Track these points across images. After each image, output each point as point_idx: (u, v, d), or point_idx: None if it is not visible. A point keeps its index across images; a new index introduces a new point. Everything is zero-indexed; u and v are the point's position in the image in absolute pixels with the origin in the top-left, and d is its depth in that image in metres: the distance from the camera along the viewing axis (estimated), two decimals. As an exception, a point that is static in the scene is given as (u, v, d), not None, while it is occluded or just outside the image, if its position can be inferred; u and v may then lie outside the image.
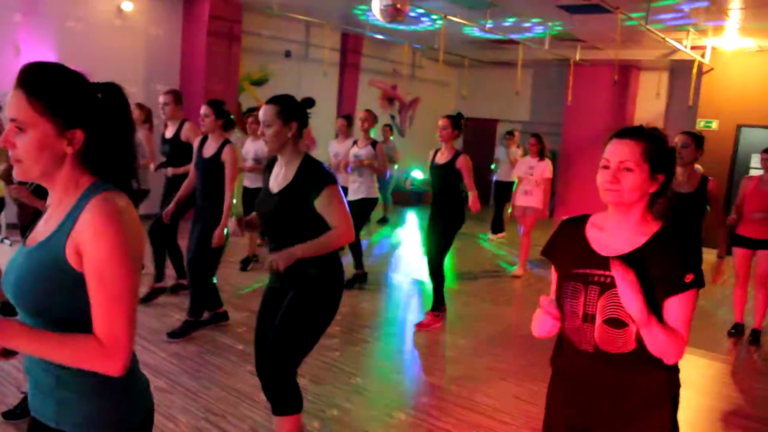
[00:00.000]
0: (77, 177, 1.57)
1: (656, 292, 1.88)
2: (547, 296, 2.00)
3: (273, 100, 3.02)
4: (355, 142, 7.14)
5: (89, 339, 1.49)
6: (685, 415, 1.97)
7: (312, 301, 3.01)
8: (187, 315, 5.11)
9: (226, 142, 4.98)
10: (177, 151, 5.71)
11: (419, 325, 5.73)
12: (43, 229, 1.58)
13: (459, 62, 14.38)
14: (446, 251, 5.85)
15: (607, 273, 1.91)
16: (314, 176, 2.96)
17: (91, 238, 1.48)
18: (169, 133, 5.81)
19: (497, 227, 10.89)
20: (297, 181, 2.97)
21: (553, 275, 2.16)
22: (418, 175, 14.17)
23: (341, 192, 3.02)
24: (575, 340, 1.99)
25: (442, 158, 5.85)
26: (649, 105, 12.85)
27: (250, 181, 7.22)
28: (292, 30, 11.66)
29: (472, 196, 5.89)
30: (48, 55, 8.63)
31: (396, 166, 11.98)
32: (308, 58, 12.04)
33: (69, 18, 8.81)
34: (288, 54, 11.72)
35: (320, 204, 2.93)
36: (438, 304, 5.88)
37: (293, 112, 3.00)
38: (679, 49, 10.04)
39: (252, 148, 7.24)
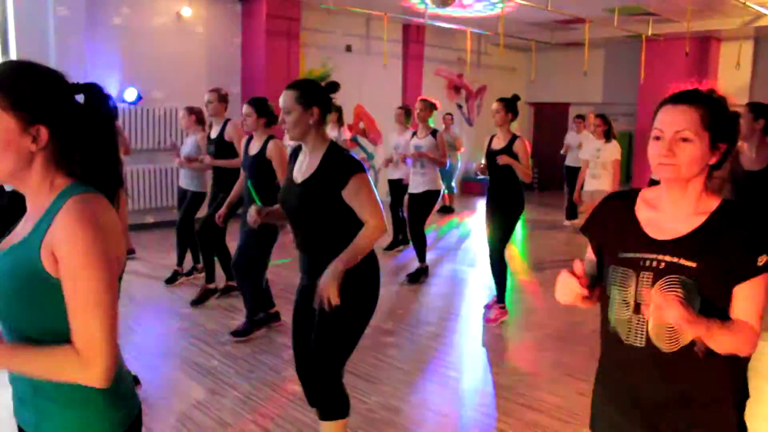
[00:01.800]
0: (51, 177, 1.48)
1: (723, 278, 1.64)
2: (581, 261, 1.75)
3: (292, 85, 2.85)
4: (414, 134, 6.96)
5: (66, 350, 1.40)
6: (759, 409, 1.69)
7: (349, 298, 2.79)
8: (246, 316, 5.07)
9: (270, 138, 4.90)
10: (222, 151, 5.68)
11: (488, 320, 5.54)
12: (20, 232, 1.50)
13: (526, 46, 13.92)
14: (507, 240, 5.60)
15: (661, 257, 1.69)
16: (340, 164, 2.77)
17: (64, 242, 1.38)
18: (213, 134, 5.80)
19: (572, 213, 10.48)
20: (322, 170, 2.78)
21: (589, 255, 1.92)
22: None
23: (370, 181, 2.83)
24: (623, 332, 1.76)
25: (498, 144, 5.60)
26: (732, 78, 12.05)
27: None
28: (352, 24, 11.58)
29: (521, 171, 5.49)
30: (112, 65, 8.85)
31: (459, 155, 11.72)
32: (370, 52, 11.92)
33: (130, 27, 8.99)
34: (349, 48, 11.64)
35: (348, 194, 2.74)
36: (503, 296, 5.65)
37: (314, 96, 2.82)
38: (763, 14, 9.33)
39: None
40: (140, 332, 5.16)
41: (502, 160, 5.44)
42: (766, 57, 11.72)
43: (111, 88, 8.81)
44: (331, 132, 8.12)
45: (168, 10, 9.41)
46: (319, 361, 2.87)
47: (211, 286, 5.94)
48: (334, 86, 2.94)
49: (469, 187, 13.83)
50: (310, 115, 2.80)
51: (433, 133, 6.72)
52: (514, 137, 5.51)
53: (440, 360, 4.71)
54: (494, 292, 5.70)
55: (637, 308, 1.71)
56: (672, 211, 1.75)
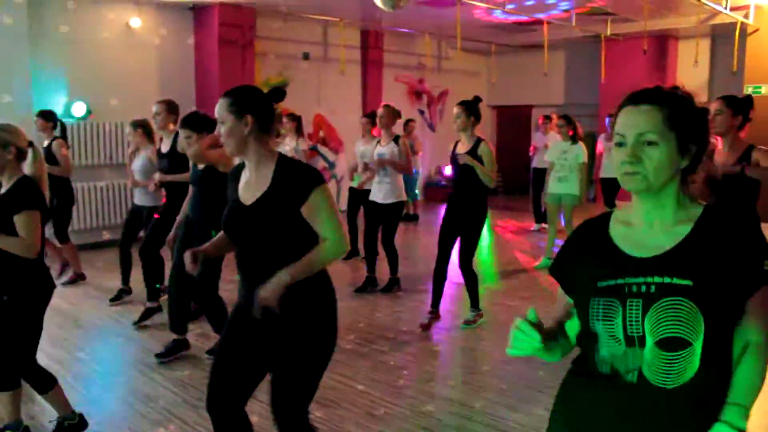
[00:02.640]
0: None
1: (726, 293, 1.45)
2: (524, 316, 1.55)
3: (225, 93, 2.57)
4: (378, 141, 6.75)
5: None
6: (757, 403, 1.51)
7: (309, 339, 2.52)
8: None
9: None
10: (176, 164, 5.39)
11: (466, 322, 5.55)
12: None
13: (485, 49, 13.84)
14: (474, 248, 5.44)
15: (648, 280, 1.48)
16: (297, 178, 2.48)
17: None
18: (165, 147, 5.50)
19: (539, 217, 10.37)
20: (276, 187, 2.47)
21: (560, 300, 1.72)
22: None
23: (331, 193, 2.56)
24: (621, 368, 1.51)
25: (462, 148, 5.43)
26: (691, 75, 12.07)
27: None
28: (309, 31, 11.35)
29: (485, 175, 5.30)
30: (59, 77, 8.50)
31: (419, 160, 11.55)
32: (328, 59, 11.69)
33: (78, 39, 8.65)
34: (306, 56, 11.41)
35: (308, 209, 2.46)
36: (477, 302, 5.59)
37: (248, 103, 2.51)
38: (719, 11, 9.33)
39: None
40: (87, 361, 4.86)
41: (463, 158, 5.28)
42: (723, 54, 11.76)
43: (58, 103, 8.46)
44: (290, 142, 7.89)
45: (117, 20, 9.08)
46: (287, 408, 2.55)
47: (154, 304, 5.65)
48: (278, 93, 2.66)
49: (433, 194, 13.66)
50: (245, 124, 2.50)
51: (396, 139, 6.52)
52: (478, 140, 5.36)
53: (400, 377, 4.49)
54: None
55: (630, 341, 1.48)
56: (650, 223, 1.57)
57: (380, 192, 6.50)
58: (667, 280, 1.46)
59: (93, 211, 8.82)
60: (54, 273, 6.74)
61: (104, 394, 4.28)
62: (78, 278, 6.98)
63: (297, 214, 2.46)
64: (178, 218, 4.95)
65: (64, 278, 6.89)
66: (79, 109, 8.56)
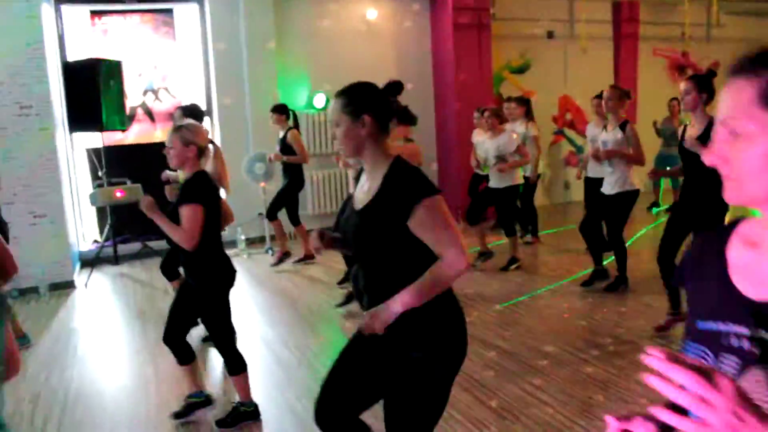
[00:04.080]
0: None
1: None
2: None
3: (339, 92, 2.34)
4: (605, 127, 6.04)
5: None
6: None
7: (426, 372, 2.22)
8: None
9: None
10: None
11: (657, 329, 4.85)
12: None
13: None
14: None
15: (754, 331, 0.98)
16: (403, 189, 2.21)
17: None
18: None
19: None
20: (382, 196, 2.25)
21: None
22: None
23: (444, 205, 2.21)
24: None
25: (693, 132, 4.59)
26: None
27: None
28: (553, 8, 10.66)
29: None
30: (302, 73, 9.01)
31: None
32: (575, 36, 10.88)
33: (318, 35, 9.09)
34: (550, 35, 10.74)
35: (415, 226, 2.17)
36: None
37: (364, 102, 2.27)
38: None
39: (485, 145, 6.84)
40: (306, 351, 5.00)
41: (692, 143, 4.46)
42: None
43: (300, 95, 8.99)
44: (519, 128, 7.46)
45: (355, 13, 9.37)
46: None
47: None
48: (397, 87, 2.39)
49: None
50: (362, 124, 2.27)
51: (622, 125, 5.75)
52: (711, 121, 4.48)
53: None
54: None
55: None
56: None
57: (608, 184, 5.80)
58: None
59: (328, 197, 9.25)
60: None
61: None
62: (284, 256, 7.48)
63: (404, 229, 2.18)
64: None
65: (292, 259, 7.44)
66: (319, 100, 8.99)
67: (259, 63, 8.60)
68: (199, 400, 3.85)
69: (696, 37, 11.71)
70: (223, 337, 3.62)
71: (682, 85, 4.65)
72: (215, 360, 4.69)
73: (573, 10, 10.87)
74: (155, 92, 8.73)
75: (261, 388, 4.11)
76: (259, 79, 8.59)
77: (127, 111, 8.10)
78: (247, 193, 8.08)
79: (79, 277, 7.50)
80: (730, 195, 1.01)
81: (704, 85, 4.58)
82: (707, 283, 1.09)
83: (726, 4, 11.09)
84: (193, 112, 5.13)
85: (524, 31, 10.47)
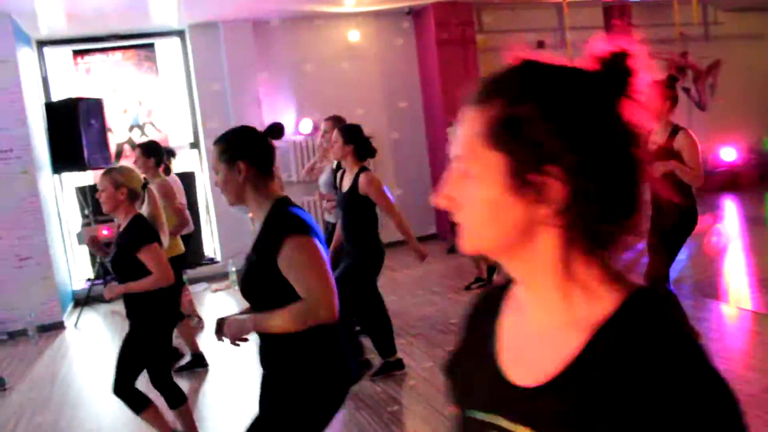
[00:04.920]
0: None
1: None
2: None
3: (215, 140, 2.31)
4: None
5: None
6: None
7: (279, 406, 2.22)
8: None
9: (362, 170, 4.37)
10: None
11: None
12: None
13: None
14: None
15: (512, 426, 0.82)
16: (275, 228, 2.17)
17: None
18: None
19: None
20: (261, 239, 2.22)
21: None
22: (729, 154, 11.84)
23: (315, 249, 2.13)
24: None
25: (658, 140, 4.39)
26: None
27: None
28: (542, 17, 10.53)
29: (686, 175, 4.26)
30: (287, 102, 8.98)
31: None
32: (567, 45, 10.72)
33: (301, 62, 9.06)
34: (540, 45, 10.59)
35: (282, 264, 2.10)
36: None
37: (239, 148, 2.24)
38: None
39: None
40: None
41: (662, 167, 4.22)
42: None
43: (287, 122, 8.95)
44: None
45: (337, 37, 9.33)
46: None
47: None
48: (276, 130, 2.34)
49: (706, 182, 11.79)
50: (237, 171, 2.22)
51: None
52: (675, 129, 4.30)
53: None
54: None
55: None
56: (537, 316, 0.87)
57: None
58: None
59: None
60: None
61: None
62: None
63: (277, 270, 2.12)
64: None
65: None
66: (305, 126, 8.95)
67: (243, 93, 8.59)
68: None
69: (694, 36, 11.47)
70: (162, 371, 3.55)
71: None
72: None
73: (562, 17, 10.71)
74: (141, 127, 8.75)
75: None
76: (243, 109, 8.57)
77: (113, 148, 8.13)
78: (236, 225, 8.04)
79: (70, 317, 7.49)
80: (460, 243, 0.88)
81: (668, 92, 4.43)
82: (477, 361, 0.94)
83: (723, 1, 10.86)
84: (151, 149, 5.09)
85: (513, 42, 10.31)
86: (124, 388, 3.55)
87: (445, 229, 9.18)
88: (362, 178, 4.31)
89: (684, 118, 10.56)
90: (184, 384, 4.21)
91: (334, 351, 2.21)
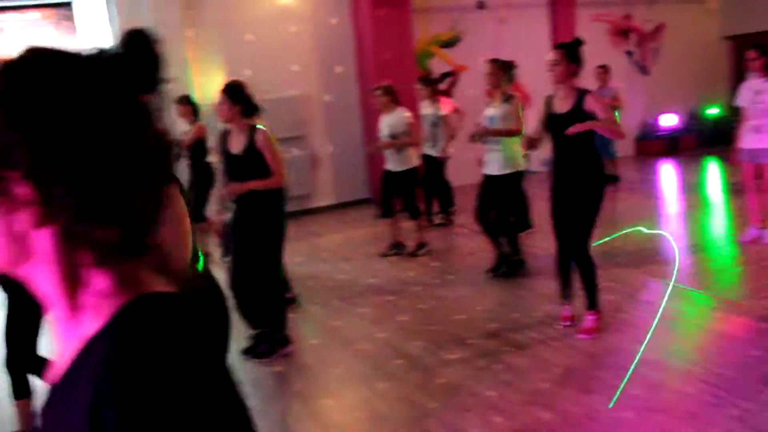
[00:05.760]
0: None
1: None
2: None
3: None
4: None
5: None
6: None
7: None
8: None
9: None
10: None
11: (583, 332, 4.37)
12: None
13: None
14: (591, 230, 4.34)
15: None
16: None
17: None
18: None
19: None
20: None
21: None
22: (669, 120, 11.90)
23: None
24: None
25: (562, 106, 4.32)
26: None
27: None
28: (483, -25, 10.31)
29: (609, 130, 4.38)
30: (220, 66, 8.70)
31: (618, 113, 9.90)
32: (509, 4, 10.52)
33: (231, 21, 8.76)
34: (481, 5, 10.38)
35: None
36: (595, 300, 4.41)
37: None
38: None
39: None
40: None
41: (575, 129, 4.14)
42: None
43: (217, 83, 8.70)
44: (427, 108, 7.23)
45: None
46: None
47: None
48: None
49: (646, 148, 11.84)
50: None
51: (507, 98, 5.49)
52: (581, 93, 4.23)
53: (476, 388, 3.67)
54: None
55: None
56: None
57: (489, 164, 5.55)
58: None
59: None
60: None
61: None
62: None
63: None
64: None
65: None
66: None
67: (169, 53, 8.28)
68: None
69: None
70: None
71: (550, 55, 4.36)
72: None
73: (503, -22, 10.51)
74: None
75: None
76: (169, 69, 8.27)
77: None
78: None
79: None
80: None
81: (574, 56, 4.32)
82: None
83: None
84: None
85: (452, 2, 10.13)
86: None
87: (376, 196, 9.08)
88: (259, 134, 4.17)
89: (624, 84, 10.53)
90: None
91: None
